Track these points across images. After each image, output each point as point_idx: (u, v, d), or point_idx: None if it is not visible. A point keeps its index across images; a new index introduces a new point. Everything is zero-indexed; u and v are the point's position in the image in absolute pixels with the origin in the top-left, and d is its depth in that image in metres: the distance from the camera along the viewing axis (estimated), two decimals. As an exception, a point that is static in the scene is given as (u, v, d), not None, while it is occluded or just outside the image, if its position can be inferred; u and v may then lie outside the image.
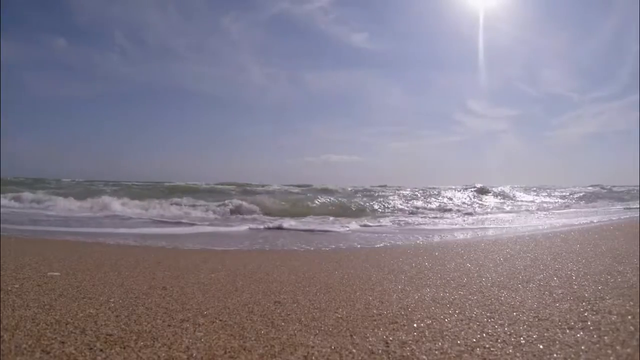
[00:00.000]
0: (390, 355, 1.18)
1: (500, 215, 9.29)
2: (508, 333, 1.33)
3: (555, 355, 1.14)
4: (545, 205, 14.10)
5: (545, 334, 1.30)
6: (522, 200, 16.12)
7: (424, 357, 1.16)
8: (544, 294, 1.81)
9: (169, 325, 1.43)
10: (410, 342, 1.28)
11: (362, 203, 12.28)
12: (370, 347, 1.24)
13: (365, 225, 6.45)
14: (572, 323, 1.39)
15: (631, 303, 1.60)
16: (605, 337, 1.25)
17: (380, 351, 1.21)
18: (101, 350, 1.20)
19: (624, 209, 10.42)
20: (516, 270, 2.36)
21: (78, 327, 1.39)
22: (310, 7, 38.56)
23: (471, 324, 1.43)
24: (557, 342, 1.23)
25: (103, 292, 1.88)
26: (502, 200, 15.85)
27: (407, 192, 17.70)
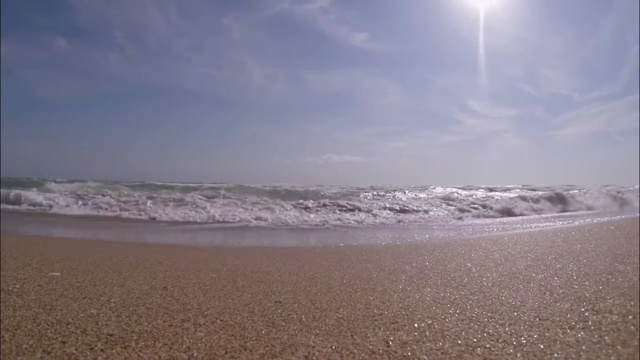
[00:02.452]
0: (391, 355, 1.18)
1: None
2: (509, 333, 1.33)
3: (556, 355, 1.14)
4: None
5: (546, 334, 1.30)
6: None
7: (425, 357, 1.16)
8: (544, 293, 1.81)
9: (169, 325, 1.43)
10: (411, 342, 1.28)
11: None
12: (371, 347, 1.24)
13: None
14: (573, 323, 1.39)
15: (632, 303, 1.60)
16: (606, 337, 1.25)
17: (381, 351, 1.21)
18: (102, 350, 1.20)
19: None
20: (517, 270, 2.36)
21: (79, 327, 1.40)
22: (310, 7, 38.50)
23: (472, 323, 1.43)
24: (558, 342, 1.23)
25: (104, 292, 1.88)
26: None
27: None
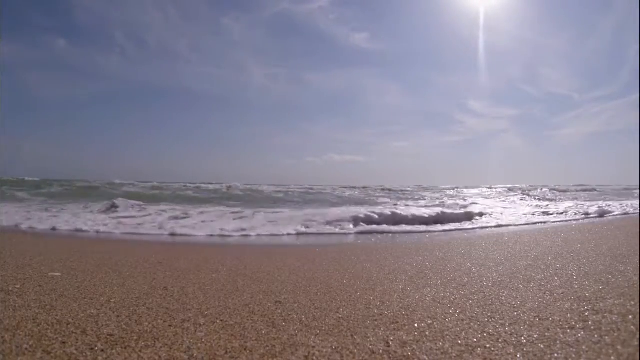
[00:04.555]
0: (391, 355, 1.18)
1: None
2: (509, 333, 1.33)
3: (556, 355, 1.14)
4: None
5: (546, 334, 1.30)
6: None
7: (425, 357, 1.16)
8: (544, 293, 1.81)
9: (170, 326, 1.43)
10: (411, 342, 1.28)
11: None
12: (371, 347, 1.24)
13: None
14: (573, 323, 1.39)
15: (632, 303, 1.60)
16: (606, 337, 1.25)
17: (381, 351, 1.21)
18: (102, 350, 1.20)
19: None
20: (517, 270, 2.36)
21: (79, 327, 1.39)
22: (310, 7, 38.59)
23: (472, 323, 1.43)
24: (558, 342, 1.23)
25: (104, 293, 1.88)
26: None
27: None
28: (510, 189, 19.57)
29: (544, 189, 19.28)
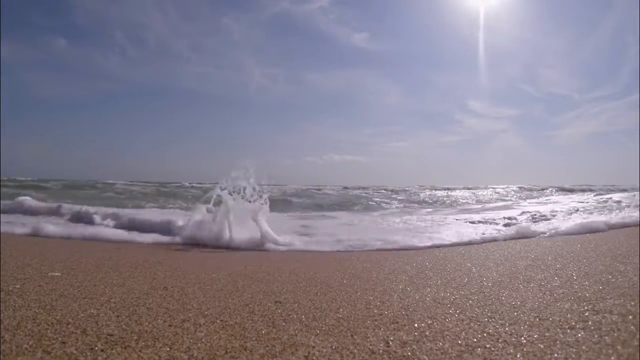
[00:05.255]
0: (391, 355, 1.18)
1: None
2: (509, 333, 1.33)
3: (556, 355, 1.14)
4: None
5: (546, 334, 1.30)
6: None
7: (425, 357, 1.16)
8: (544, 293, 1.81)
9: (170, 326, 1.43)
10: (411, 342, 1.28)
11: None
12: (371, 347, 1.24)
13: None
14: (573, 323, 1.39)
15: (632, 303, 1.60)
16: (606, 337, 1.25)
17: (381, 351, 1.21)
18: (102, 350, 1.20)
19: None
20: (517, 270, 2.36)
21: (79, 327, 1.39)
22: (310, 7, 38.61)
23: (472, 323, 1.43)
24: (558, 342, 1.23)
25: (104, 292, 1.88)
26: None
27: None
28: (559, 189, 18.99)
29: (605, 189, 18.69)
